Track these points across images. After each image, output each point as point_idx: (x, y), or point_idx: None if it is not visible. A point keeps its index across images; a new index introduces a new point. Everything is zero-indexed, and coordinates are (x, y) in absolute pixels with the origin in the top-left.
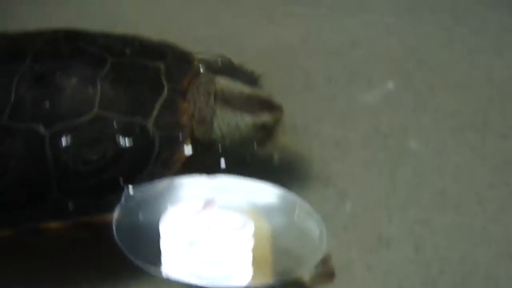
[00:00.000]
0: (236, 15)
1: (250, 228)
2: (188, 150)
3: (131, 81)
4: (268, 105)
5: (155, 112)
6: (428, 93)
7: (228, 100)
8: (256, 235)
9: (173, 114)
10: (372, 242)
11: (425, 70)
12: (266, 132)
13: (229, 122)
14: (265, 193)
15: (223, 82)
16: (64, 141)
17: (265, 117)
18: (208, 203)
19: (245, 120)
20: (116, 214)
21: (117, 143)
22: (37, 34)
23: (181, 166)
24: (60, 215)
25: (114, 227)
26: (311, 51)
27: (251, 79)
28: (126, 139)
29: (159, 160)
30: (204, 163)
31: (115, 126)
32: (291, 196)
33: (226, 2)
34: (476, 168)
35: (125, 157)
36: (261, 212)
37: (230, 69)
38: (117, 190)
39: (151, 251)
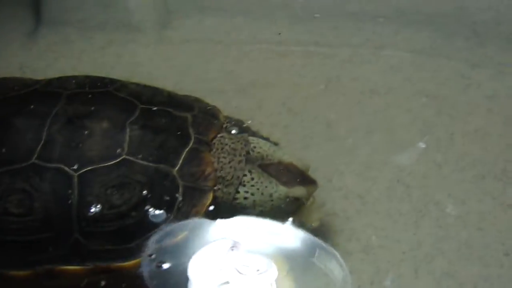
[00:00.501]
0: (253, 66)
1: (274, 271)
2: (209, 202)
3: (159, 129)
4: (304, 179)
5: (180, 161)
6: (449, 141)
7: (266, 167)
8: (279, 279)
9: (198, 164)
10: None
11: (444, 118)
12: (298, 205)
13: (263, 191)
14: (287, 235)
15: (263, 146)
16: (90, 183)
17: (299, 192)
18: (234, 245)
19: (279, 192)
20: (144, 261)
21: (142, 189)
22: (70, 78)
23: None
24: (79, 259)
25: (144, 274)
26: (331, 100)
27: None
28: (151, 185)
29: (180, 210)
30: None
31: (141, 172)
32: (313, 238)
33: (243, 53)
34: (500, 217)
35: (148, 203)
36: (283, 255)
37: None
38: (136, 238)
39: None
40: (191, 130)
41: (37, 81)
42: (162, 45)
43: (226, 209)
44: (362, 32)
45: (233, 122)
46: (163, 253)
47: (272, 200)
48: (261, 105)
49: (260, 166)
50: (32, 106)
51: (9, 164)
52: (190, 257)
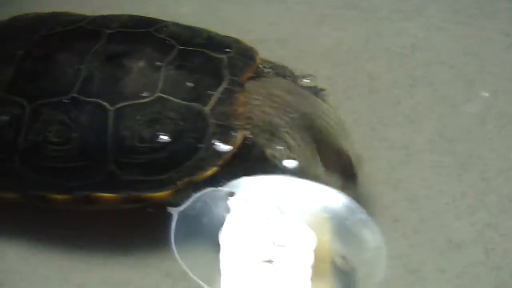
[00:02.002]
0: (295, 18)
1: (313, 239)
2: (240, 140)
3: (194, 69)
4: (349, 176)
5: (213, 100)
6: (492, 98)
7: (320, 142)
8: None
9: (230, 104)
10: (442, 245)
11: (487, 75)
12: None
13: (303, 164)
14: (325, 197)
15: (334, 119)
16: (125, 118)
17: (335, 184)
18: (269, 214)
19: (317, 173)
20: (174, 220)
21: (173, 126)
22: (114, 17)
23: (231, 157)
24: (113, 187)
25: (172, 235)
26: (373, 54)
27: (316, 94)
28: (183, 122)
29: (211, 147)
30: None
31: (174, 109)
32: (347, 202)
33: (284, 6)
34: None
35: (180, 139)
36: (321, 218)
37: (293, 79)
38: (168, 170)
39: (209, 265)
40: (225, 71)
41: (84, 18)
42: None
43: (250, 157)
44: None
45: (272, 66)
46: (196, 216)
47: (302, 175)
48: (302, 56)
49: (315, 138)
50: (74, 43)
51: (50, 96)
52: (223, 223)
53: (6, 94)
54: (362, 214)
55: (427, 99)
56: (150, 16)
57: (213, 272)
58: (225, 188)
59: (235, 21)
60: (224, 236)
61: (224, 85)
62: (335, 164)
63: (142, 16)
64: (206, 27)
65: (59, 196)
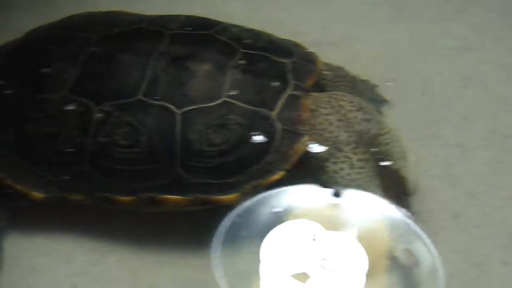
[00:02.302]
0: (344, 21)
1: (364, 266)
2: (305, 146)
3: (258, 73)
4: (404, 202)
5: (279, 105)
6: None
7: (382, 167)
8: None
9: (296, 109)
10: (504, 238)
11: None
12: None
13: (363, 184)
14: (380, 210)
15: (397, 142)
16: (192, 122)
17: (391, 199)
18: (316, 235)
19: (373, 192)
20: (220, 229)
21: (241, 130)
22: (172, 17)
23: (296, 160)
24: (179, 190)
25: (213, 244)
26: (423, 55)
27: (371, 90)
28: (250, 127)
29: (278, 151)
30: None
31: (241, 114)
32: (399, 216)
33: (332, 9)
34: None
35: (247, 144)
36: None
37: (350, 79)
38: (235, 174)
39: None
40: (289, 76)
41: (140, 17)
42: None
43: (308, 166)
44: None
45: (330, 68)
46: (241, 224)
47: (363, 186)
48: (355, 59)
49: (379, 161)
50: (136, 44)
51: (117, 98)
52: (267, 234)
53: (71, 94)
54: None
55: (479, 98)
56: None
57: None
58: (277, 197)
59: (286, 23)
60: (267, 249)
61: (289, 90)
62: (393, 188)
63: (199, 17)
64: (258, 29)
65: (125, 198)
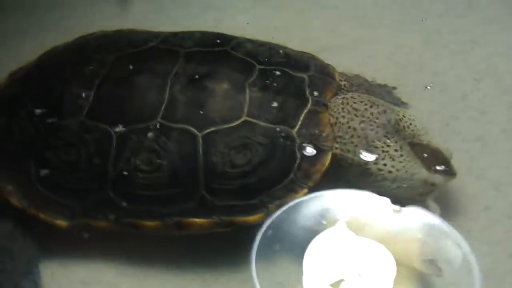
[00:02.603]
0: (352, 24)
1: (393, 272)
2: (328, 162)
3: (277, 90)
4: (447, 168)
5: (299, 122)
6: None
7: (415, 146)
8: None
9: (317, 125)
10: None
11: None
12: (432, 189)
13: (408, 169)
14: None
15: (418, 125)
16: (214, 144)
17: (439, 179)
18: (352, 245)
19: (421, 174)
20: (256, 242)
21: (263, 150)
22: (186, 35)
23: (320, 178)
24: (204, 213)
25: (253, 257)
26: (434, 52)
27: (389, 93)
28: (272, 146)
29: (300, 169)
30: (342, 178)
31: (262, 133)
32: (432, 219)
33: (338, 12)
34: None
35: (270, 163)
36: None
37: (368, 86)
38: (259, 194)
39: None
40: (308, 91)
41: (153, 35)
42: (259, 7)
43: (350, 173)
44: None
45: (346, 78)
46: (278, 237)
47: (411, 180)
48: (368, 61)
49: (410, 143)
50: (152, 65)
51: (135, 122)
52: (307, 245)
53: (89, 119)
54: (449, 229)
55: (493, 91)
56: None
57: None
58: (313, 203)
59: (294, 30)
60: (306, 260)
61: (309, 106)
62: (433, 161)
63: (213, 33)
64: (266, 39)
65: (151, 223)
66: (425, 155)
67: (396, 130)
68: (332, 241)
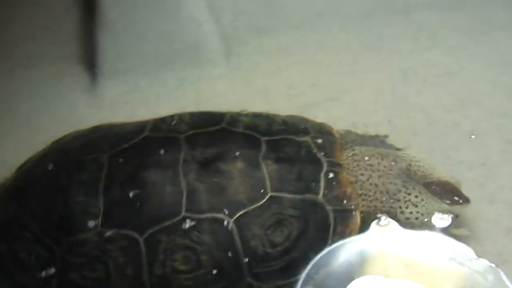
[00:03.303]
0: (330, 73)
1: None
2: (359, 220)
3: (290, 159)
4: (460, 196)
5: (322, 187)
6: None
7: (428, 185)
8: None
9: (339, 186)
10: None
11: None
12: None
13: (430, 211)
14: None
15: (426, 165)
16: (248, 227)
17: (458, 209)
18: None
19: (443, 209)
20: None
21: (297, 222)
22: (175, 118)
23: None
24: None
25: None
26: (416, 89)
27: (382, 143)
28: (304, 216)
29: (336, 233)
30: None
31: (291, 206)
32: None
33: (318, 64)
34: None
35: (307, 234)
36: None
37: (361, 140)
38: (304, 268)
39: None
40: (319, 154)
41: (139, 125)
42: (235, 73)
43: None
44: (413, 23)
45: (343, 137)
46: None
47: (436, 219)
48: (357, 108)
49: (424, 184)
50: (156, 156)
51: (160, 222)
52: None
53: (107, 228)
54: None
55: (481, 115)
56: (191, 103)
57: None
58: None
59: (276, 90)
60: None
61: (325, 168)
62: (447, 194)
63: (201, 112)
64: (250, 103)
65: None
66: (440, 190)
67: (409, 176)
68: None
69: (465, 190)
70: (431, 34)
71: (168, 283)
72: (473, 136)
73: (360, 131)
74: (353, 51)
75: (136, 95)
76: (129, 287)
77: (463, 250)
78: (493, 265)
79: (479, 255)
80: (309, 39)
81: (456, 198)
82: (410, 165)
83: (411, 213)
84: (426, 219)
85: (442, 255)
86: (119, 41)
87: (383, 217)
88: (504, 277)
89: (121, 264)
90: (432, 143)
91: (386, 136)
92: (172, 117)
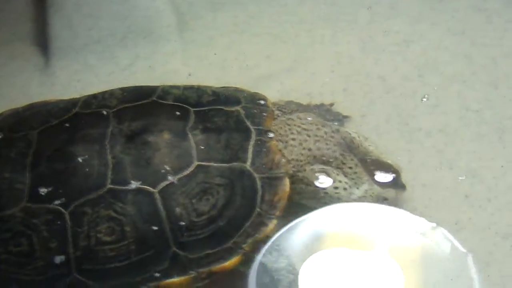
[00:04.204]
0: (288, 46)
1: (400, 276)
2: (288, 187)
3: (218, 129)
4: (397, 182)
5: (250, 155)
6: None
7: (365, 162)
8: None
9: (267, 154)
10: None
11: (481, 47)
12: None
13: (359, 186)
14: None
15: (365, 142)
16: (173, 197)
17: (391, 194)
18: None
19: (373, 190)
20: (253, 269)
21: (224, 191)
22: (106, 94)
23: (285, 204)
24: (181, 270)
25: (251, 276)
26: (374, 58)
27: (328, 111)
28: (231, 185)
29: (264, 201)
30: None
31: (218, 175)
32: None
33: (273, 37)
34: None
35: (234, 202)
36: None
37: (303, 110)
38: (232, 237)
39: None
40: (248, 123)
41: (72, 102)
42: (189, 48)
43: (305, 195)
44: None
45: (282, 108)
46: (274, 262)
47: (365, 197)
48: (313, 78)
49: (361, 160)
50: (83, 131)
51: (85, 195)
52: (302, 265)
53: (32, 203)
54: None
55: (440, 82)
56: (144, 80)
57: None
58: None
59: (230, 62)
60: (305, 279)
61: (253, 137)
62: (385, 175)
63: (133, 87)
64: (205, 76)
65: None
66: (376, 171)
67: (350, 148)
68: (329, 259)
69: (422, 157)
70: (390, 3)
71: (92, 255)
72: (424, 99)
73: (316, 101)
74: (309, 23)
75: (88, 73)
76: (53, 260)
77: (416, 221)
78: (434, 224)
79: (437, 222)
80: (264, 12)
81: (391, 182)
82: (354, 137)
83: (340, 181)
84: (352, 194)
85: (397, 228)
86: (70, 20)
87: (322, 176)
88: (450, 237)
89: (45, 237)
90: (390, 110)
91: (332, 104)
92: (104, 93)
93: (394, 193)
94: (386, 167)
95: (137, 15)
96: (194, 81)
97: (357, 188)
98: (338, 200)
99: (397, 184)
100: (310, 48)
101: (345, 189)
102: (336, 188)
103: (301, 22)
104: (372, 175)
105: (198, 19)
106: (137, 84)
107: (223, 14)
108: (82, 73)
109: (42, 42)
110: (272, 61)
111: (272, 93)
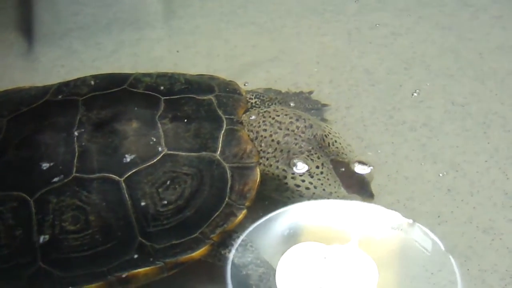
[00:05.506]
0: (274, 36)
1: (374, 278)
2: (259, 177)
3: (188, 117)
4: (365, 190)
5: (220, 144)
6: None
7: (336, 164)
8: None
9: (238, 144)
10: (502, 197)
11: (467, 42)
12: None
13: (325, 187)
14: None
15: (342, 143)
16: (139, 185)
17: (356, 199)
18: (327, 254)
19: (338, 193)
20: (230, 258)
21: (191, 180)
22: (78, 81)
23: (255, 195)
24: (147, 260)
25: (228, 273)
26: (360, 50)
27: (307, 99)
28: (199, 174)
29: (233, 191)
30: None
31: (186, 164)
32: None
33: (260, 27)
34: None
35: (202, 192)
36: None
37: (281, 98)
38: (199, 227)
39: None
40: (220, 112)
41: (43, 90)
42: (175, 35)
43: (269, 188)
44: None
45: (260, 96)
46: (252, 252)
47: (329, 199)
48: (299, 68)
49: (332, 161)
50: (52, 119)
51: (50, 183)
52: (280, 257)
53: None
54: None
55: (425, 76)
56: (128, 67)
57: None
58: (281, 218)
59: (216, 50)
60: (281, 273)
61: (224, 126)
62: (353, 183)
63: (106, 74)
64: (192, 64)
65: (92, 286)
66: (346, 174)
67: (321, 146)
68: (305, 253)
69: (406, 151)
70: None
71: (57, 244)
72: (415, 94)
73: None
74: (296, 14)
75: (71, 59)
76: (17, 249)
77: (392, 216)
78: (411, 220)
79: (419, 215)
80: (251, 2)
81: (359, 188)
82: (326, 136)
83: (303, 181)
84: (315, 194)
85: (372, 223)
86: (54, 5)
87: (284, 171)
88: (429, 232)
89: (10, 225)
90: (374, 103)
91: (311, 92)
92: (76, 80)
93: (361, 200)
94: (357, 175)
95: (123, 1)
96: (180, 70)
97: (323, 189)
98: (300, 198)
99: (366, 192)
100: (296, 39)
101: (307, 188)
102: (298, 186)
103: (288, 13)
104: (341, 178)
105: (186, 7)
106: (122, 71)
107: (211, 3)
108: (65, 59)
109: (25, 27)
110: (258, 51)
111: (259, 82)
